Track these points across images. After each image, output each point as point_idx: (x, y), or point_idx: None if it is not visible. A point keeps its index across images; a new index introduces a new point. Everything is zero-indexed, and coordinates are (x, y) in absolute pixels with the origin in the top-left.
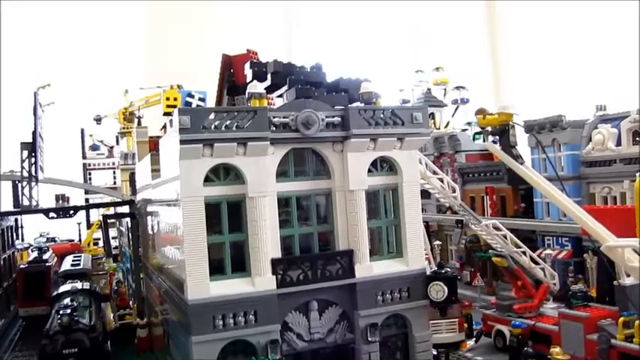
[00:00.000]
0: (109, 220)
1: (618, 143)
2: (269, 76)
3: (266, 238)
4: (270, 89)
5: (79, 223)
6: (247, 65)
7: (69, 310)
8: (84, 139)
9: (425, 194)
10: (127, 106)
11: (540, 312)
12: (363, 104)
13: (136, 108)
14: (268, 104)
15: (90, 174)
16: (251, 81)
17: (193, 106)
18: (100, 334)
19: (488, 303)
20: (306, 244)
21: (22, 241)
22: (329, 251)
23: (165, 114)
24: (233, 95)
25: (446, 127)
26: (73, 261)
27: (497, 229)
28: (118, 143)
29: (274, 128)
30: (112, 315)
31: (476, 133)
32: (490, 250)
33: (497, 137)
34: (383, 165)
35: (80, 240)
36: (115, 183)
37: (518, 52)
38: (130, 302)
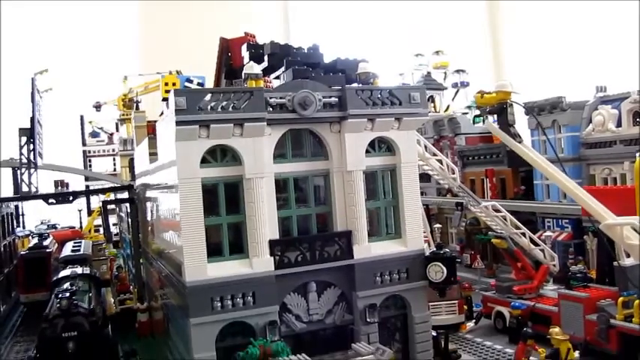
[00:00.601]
0: (108, 207)
1: (619, 124)
2: (266, 58)
3: (264, 220)
4: (267, 71)
5: (79, 210)
6: (244, 47)
7: (68, 294)
8: (83, 126)
9: (425, 177)
10: (126, 93)
11: (540, 293)
12: (360, 85)
13: (135, 94)
14: (265, 86)
15: (90, 161)
16: (248, 63)
17: None
18: (99, 318)
19: (489, 285)
20: (304, 225)
21: (23, 228)
22: (327, 232)
23: (164, 99)
24: (231, 79)
25: (446, 110)
26: (73, 247)
27: (496, 210)
28: (117, 130)
29: (271, 109)
30: (112, 300)
31: (475, 116)
32: (490, 232)
33: (496, 117)
34: (381, 145)
35: (81, 227)
36: (115, 170)
37: (519, 35)
38: (131, 287)
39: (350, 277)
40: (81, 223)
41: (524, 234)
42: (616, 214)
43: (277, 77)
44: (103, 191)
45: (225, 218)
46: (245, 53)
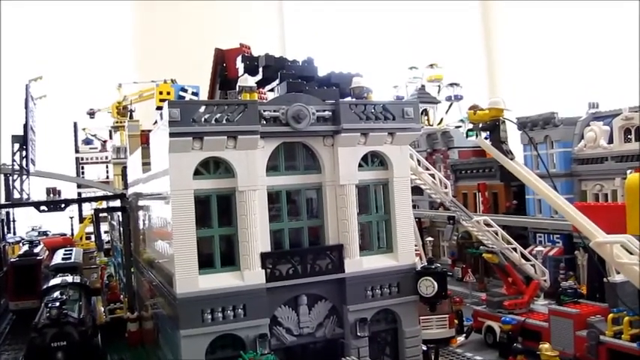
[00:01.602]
0: (100, 215)
1: (610, 141)
2: (260, 70)
3: (256, 232)
4: (261, 83)
5: (71, 218)
6: (239, 59)
7: (58, 304)
8: (77, 133)
9: (417, 190)
10: (121, 101)
11: (531, 308)
12: (354, 99)
13: (130, 102)
14: (260, 98)
15: (83, 168)
16: (242, 75)
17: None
18: (89, 327)
19: (480, 299)
20: (296, 238)
21: (14, 234)
22: (319, 246)
23: (158, 108)
24: (225, 90)
25: (439, 123)
26: (64, 255)
27: (488, 225)
28: (111, 137)
29: (265, 122)
30: (102, 309)
31: (469, 130)
32: (481, 247)
33: (489, 133)
34: (374, 160)
35: (72, 234)
36: (107, 177)
37: (514, 49)
38: (121, 296)
39: (341, 290)
40: (72, 230)
41: (515, 249)
42: (606, 231)
43: (271, 90)
44: (95, 199)
45: (217, 230)
46: (240, 65)
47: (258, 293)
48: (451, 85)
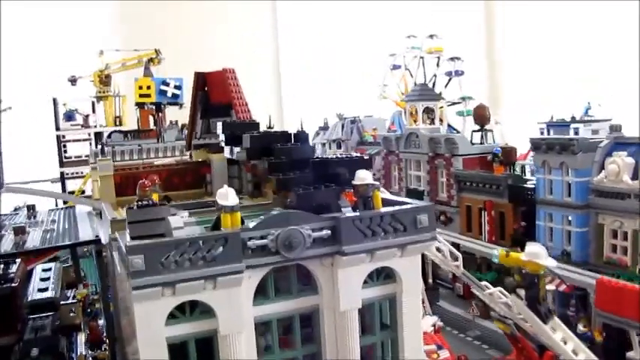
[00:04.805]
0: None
1: (635, 176)
2: (245, 151)
3: None
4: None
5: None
6: (219, 126)
7: None
8: (57, 109)
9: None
10: (103, 69)
11: None
12: (357, 196)
13: (112, 70)
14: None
15: (65, 146)
16: (225, 142)
17: (168, 94)
18: None
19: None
20: None
21: None
22: None
23: (137, 104)
24: (208, 118)
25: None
26: (40, 279)
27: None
28: (94, 111)
29: (250, 252)
30: (84, 353)
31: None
32: (492, 313)
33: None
34: (380, 272)
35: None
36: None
37: (515, 24)
38: (103, 336)
39: None
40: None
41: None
42: (635, 318)
43: None
44: (70, 246)
45: None
46: (221, 135)
47: None
48: (452, 59)
